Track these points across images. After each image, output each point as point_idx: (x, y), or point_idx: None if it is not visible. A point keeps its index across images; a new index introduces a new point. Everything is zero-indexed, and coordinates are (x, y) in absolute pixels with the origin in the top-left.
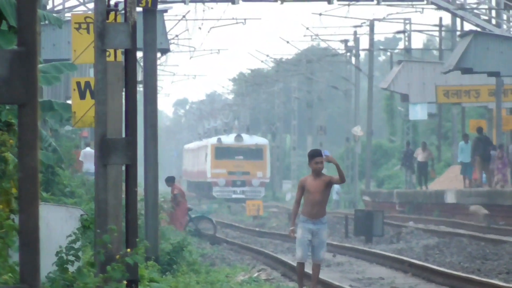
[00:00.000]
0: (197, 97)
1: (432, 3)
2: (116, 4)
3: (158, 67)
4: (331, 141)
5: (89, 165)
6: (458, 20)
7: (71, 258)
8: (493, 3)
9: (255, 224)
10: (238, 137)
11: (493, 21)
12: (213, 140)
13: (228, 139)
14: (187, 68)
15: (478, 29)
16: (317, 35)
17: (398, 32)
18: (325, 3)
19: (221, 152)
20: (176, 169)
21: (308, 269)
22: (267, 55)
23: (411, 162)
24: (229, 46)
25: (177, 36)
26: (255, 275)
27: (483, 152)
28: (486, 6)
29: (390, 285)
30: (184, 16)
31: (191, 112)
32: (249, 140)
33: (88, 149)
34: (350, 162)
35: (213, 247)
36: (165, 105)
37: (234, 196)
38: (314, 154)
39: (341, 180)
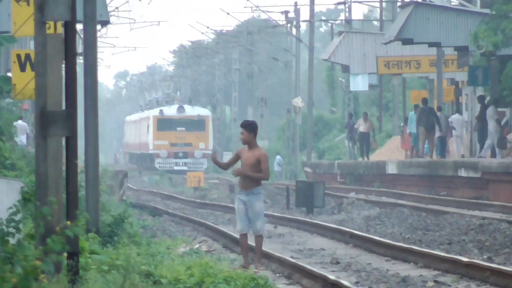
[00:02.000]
0: (137, 69)
1: None
2: None
3: (98, 39)
4: (272, 112)
5: (21, 137)
6: None
7: (11, 230)
8: None
9: (196, 195)
10: (180, 109)
11: None
12: (155, 111)
13: (170, 111)
14: (127, 40)
15: (419, 0)
16: (257, 6)
17: (339, 3)
18: None
19: (163, 124)
20: (117, 141)
21: (253, 241)
22: (208, 27)
23: (353, 133)
24: (170, 18)
25: (117, 8)
26: (196, 246)
27: (427, 122)
28: None
29: (332, 256)
30: None
31: (131, 84)
32: (192, 111)
33: (20, 122)
34: (291, 134)
35: (154, 218)
36: (105, 77)
37: (176, 168)
38: (240, 125)
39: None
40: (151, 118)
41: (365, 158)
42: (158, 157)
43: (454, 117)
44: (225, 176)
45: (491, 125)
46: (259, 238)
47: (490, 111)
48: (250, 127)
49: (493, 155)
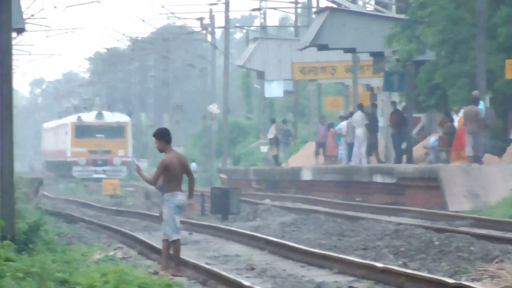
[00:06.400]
0: (53, 76)
1: None
2: None
3: (14, 46)
4: (188, 119)
5: None
6: None
7: None
8: None
9: (112, 203)
10: (99, 115)
11: None
12: (73, 118)
13: (89, 117)
14: (43, 47)
15: (334, 6)
16: (173, 13)
17: (254, 10)
18: None
19: (81, 131)
20: (34, 149)
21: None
22: (123, 34)
23: (288, 139)
24: (85, 25)
25: (32, 15)
26: (111, 253)
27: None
28: None
29: (247, 262)
30: None
31: (47, 91)
32: (111, 117)
33: None
34: (207, 140)
35: (69, 226)
36: (21, 85)
37: (95, 175)
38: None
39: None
40: (69, 125)
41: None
42: (77, 165)
43: (354, 116)
44: (141, 183)
45: (360, 131)
46: (164, 242)
47: (358, 116)
48: (159, 135)
49: (409, 160)
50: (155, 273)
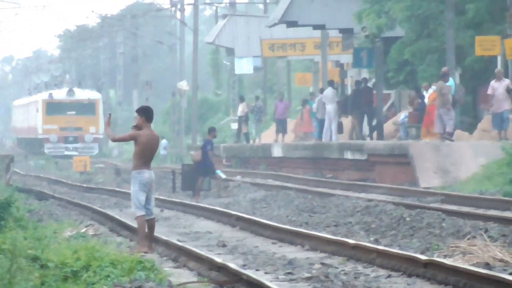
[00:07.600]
0: (23, 53)
1: None
2: None
3: None
4: (157, 96)
5: None
6: None
7: None
8: None
9: (82, 179)
10: (70, 92)
11: None
12: (44, 95)
13: (60, 94)
14: (12, 24)
15: None
16: None
17: None
18: None
19: (52, 108)
20: (4, 126)
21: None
22: (92, 11)
23: (260, 116)
24: (55, 2)
25: None
26: (83, 230)
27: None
28: None
29: (218, 239)
30: None
31: (17, 68)
32: (82, 94)
33: None
34: (176, 117)
35: (40, 202)
36: None
37: (66, 152)
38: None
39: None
40: (40, 102)
41: (249, 142)
42: (48, 142)
43: (325, 93)
44: (111, 160)
45: (330, 108)
46: (147, 221)
47: (329, 93)
48: (141, 111)
49: (379, 137)
50: (145, 253)
